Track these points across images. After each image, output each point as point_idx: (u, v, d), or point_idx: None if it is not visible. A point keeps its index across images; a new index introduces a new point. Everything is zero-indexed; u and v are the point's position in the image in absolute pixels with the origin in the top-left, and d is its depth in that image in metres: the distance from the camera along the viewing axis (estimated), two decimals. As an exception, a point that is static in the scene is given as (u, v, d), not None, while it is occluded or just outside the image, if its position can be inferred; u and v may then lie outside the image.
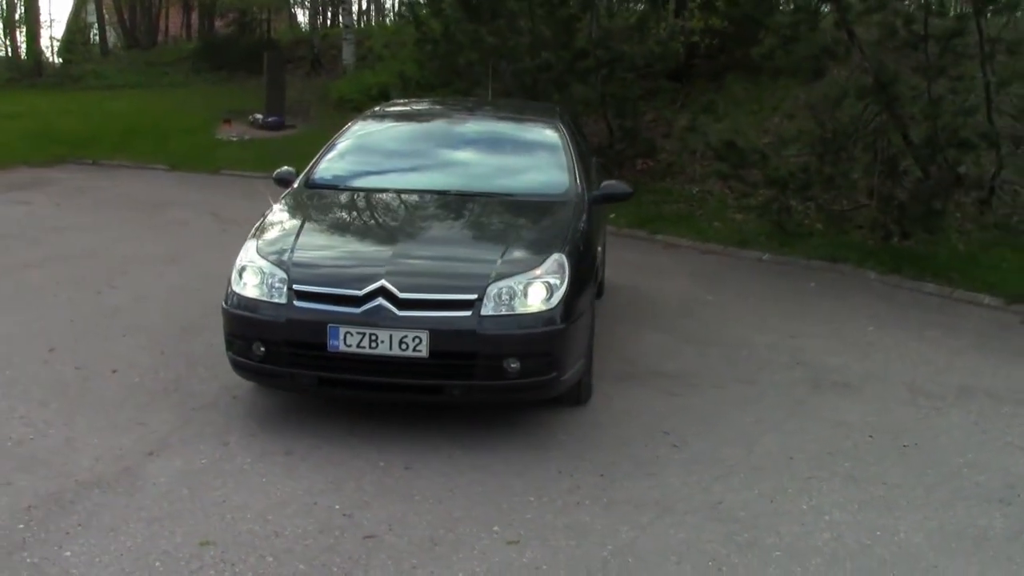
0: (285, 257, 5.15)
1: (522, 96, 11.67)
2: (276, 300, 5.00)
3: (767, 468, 4.91)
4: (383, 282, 4.90)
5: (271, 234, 5.46)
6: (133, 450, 4.89)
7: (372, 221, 5.84)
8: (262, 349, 5.03)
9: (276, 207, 5.86)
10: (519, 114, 7.27)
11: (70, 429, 5.11)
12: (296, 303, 4.96)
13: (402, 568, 3.87)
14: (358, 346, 4.83)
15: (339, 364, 4.92)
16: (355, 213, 5.91)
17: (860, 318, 7.77)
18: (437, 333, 4.79)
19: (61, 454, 4.81)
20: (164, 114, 17.81)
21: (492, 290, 4.90)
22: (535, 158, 6.34)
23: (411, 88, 12.05)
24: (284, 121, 16.20)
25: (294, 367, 4.99)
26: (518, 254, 5.19)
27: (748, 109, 13.46)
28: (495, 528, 4.22)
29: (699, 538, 4.19)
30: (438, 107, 7.60)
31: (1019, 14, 8.97)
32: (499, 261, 5.09)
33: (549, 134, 6.52)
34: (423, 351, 4.79)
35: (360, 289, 4.90)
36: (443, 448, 4.98)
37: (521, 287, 4.95)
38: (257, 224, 5.64)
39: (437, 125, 6.95)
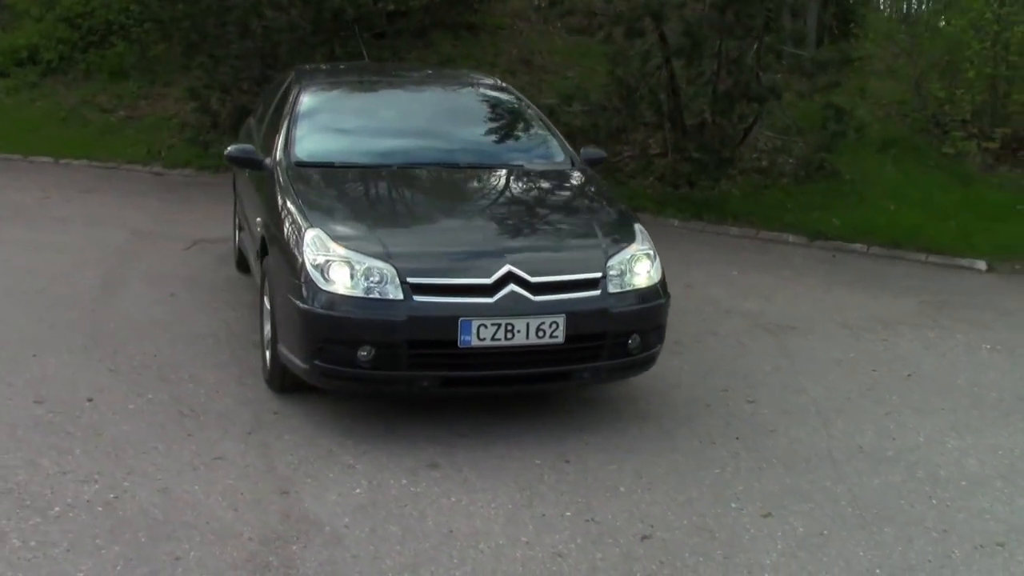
0: (381, 247, 4.57)
1: (260, 59, 10.92)
2: (388, 296, 4.45)
3: (848, 411, 5.30)
4: (509, 267, 4.55)
5: (333, 222, 4.78)
6: (259, 492, 4.17)
7: (432, 202, 5.32)
8: (364, 353, 4.46)
9: (288, 191, 5.10)
10: (465, 79, 6.89)
11: (142, 477, 4.22)
12: (416, 298, 4.45)
13: (737, 563, 3.75)
14: (492, 339, 4.47)
15: (467, 360, 4.52)
16: (401, 194, 5.33)
17: (716, 263, 8.39)
18: (573, 316, 4.58)
19: (181, 510, 3.98)
20: None
21: (610, 267, 4.76)
22: (515, 126, 6.11)
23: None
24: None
25: (414, 369, 4.49)
26: (610, 228, 5.07)
27: (465, 65, 13.59)
28: (733, 504, 4.21)
29: (891, 481, 4.50)
30: (375, 74, 6.97)
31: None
32: (600, 236, 4.94)
33: (512, 100, 6.31)
34: (559, 336, 4.56)
35: (488, 277, 4.52)
36: (567, 437, 4.81)
37: (628, 261, 4.85)
38: (293, 211, 4.90)
39: (394, 94, 6.42)
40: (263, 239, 5.29)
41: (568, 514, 4.06)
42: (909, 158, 10.90)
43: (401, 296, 4.44)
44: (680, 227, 9.69)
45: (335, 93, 6.18)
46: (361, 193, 5.21)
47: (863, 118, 10.26)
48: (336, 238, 4.63)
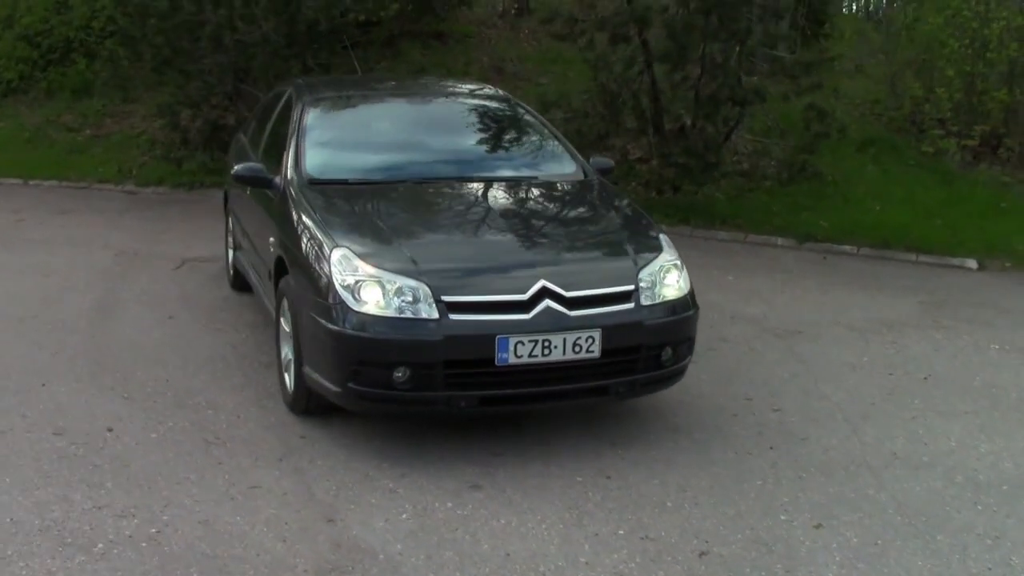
0: (411, 265, 4.49)
1: (233, 75, 10.80)
2: (423, 316, 4.36)
3: (874, 416, 5.31)
4: (543, 282, 4.49)
5: (358, 240, 4.68)
6: (304, 520, 4.07)
7: (454, 217, 5.22)
8: (400, 374, 4.37)
9: (305, 209, 4.99)
10: (467, 90, 6.79)
11: (179, 509, 4.09)
12: (452, 316, 4.37)
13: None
14: (529, 355, 4.41)
15: (504, 378, 4.45)
16: (421, 209, 5.23)
17: (709, 268, 8.34)
18: (609, 330, 4.53)
19: (228, 542, 3.88)
20: None
21: (641, 279, 4.72)
22: (524, 137, 6.07)
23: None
24: None
25: (451, 389, 4.41)
26: (636, 239, 5.03)
27: (436, 73, 13.51)
28: (782, 516, 4.19)
29: (933, 488, 4.51)
30: (377, 87, 6.86)
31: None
32: (627, 247, 4.90)
33: (518, 111, 6.27)
34: (595, 351, 4.51)
35: (523, 293, 4.45)
36: (602, 452, 4.77)
37: (658, 272, 4.81)
38: (313, 230, 4.79)
39: (400, 107, 6.33)
40: (278, 259, 5.18)
41: (621, 532, 4.01)
42: (888, 157, 11.01)
43: (436, 315, 4.36)
44: (668, 232, 9.62)
45: (340, 108, 6.07)
46: (381, 210, 5.10)
47: (844, 119, 10.34)
48: (363, 256, 4.54)
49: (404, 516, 4.09)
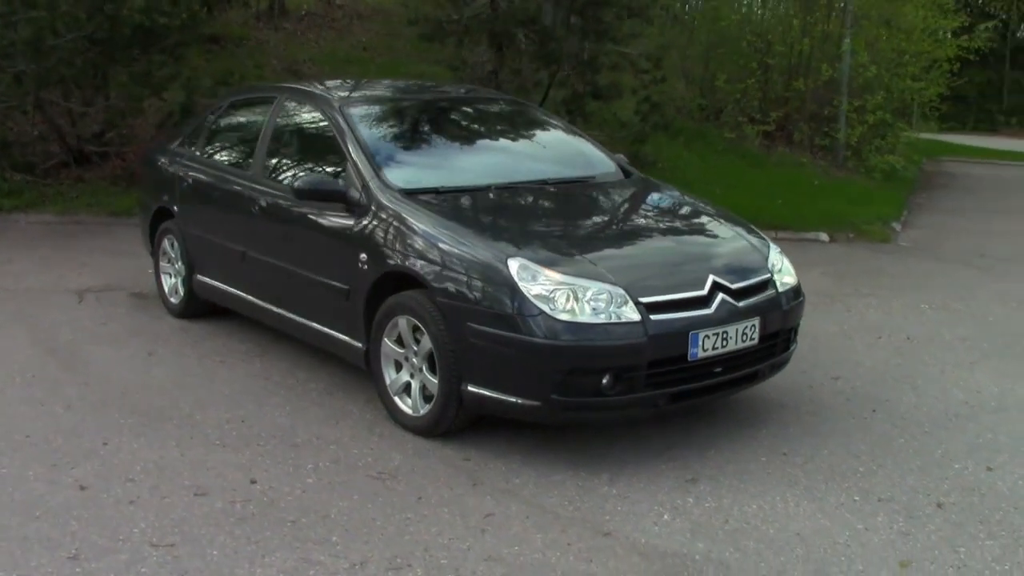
0: (596, 269, 4.45)
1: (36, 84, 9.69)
2: (628, 319, 4.36)
3: (913, 375, 5.92)
4: (713, 276, 4.65)
5: (523, 248, 4.54)
6: (581, 537, 3.94)
7: (585, 221, 5.14)
8: (607, 380, 4.34)
9: (426, 221, 4.72)
10: (481, 94, 6.57)
11: (447, 551, 3.80)
12: (652, 317, 4.40)
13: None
14: (713, 348, 4.55)
15: (692, 373, 4.56)
16: (544, 214, 5.11)
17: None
18: (764, 316, 4.77)
19: (542, 573, 3.68)
20: None
21: (770, 267, 5.00)
22: (562, 139, 6.10)
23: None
24: None
25: (650, 389, 4.45)
26: (744, 231, 5.27)
27: (236, 77, 12.82)
28: (959, 463, 4.61)
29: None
30: (396, 90, 6.42)
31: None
32: (747, 238, 5.14)
33: (541, 114, 6.33)
34: (756, 338, 4.73)
35: (702, 288, 4.58)
36: (757, 436, 4.96)
37: (776, 260, 5.10)
38: (458, 242, 4.57)
39: (429, 111, 5.97)
40: (384, 276, 4.87)
41: (856, 499, 4.24)
42: (698, 144, 11.93)
43: (638, 317, 4.35)
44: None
45: (379, 115, 5.69)
46: (506, 216, 4.94)
47: (671, 111, 11.09)
48: (542, 263, 4.42)
49: (666, 517, 4.07)
